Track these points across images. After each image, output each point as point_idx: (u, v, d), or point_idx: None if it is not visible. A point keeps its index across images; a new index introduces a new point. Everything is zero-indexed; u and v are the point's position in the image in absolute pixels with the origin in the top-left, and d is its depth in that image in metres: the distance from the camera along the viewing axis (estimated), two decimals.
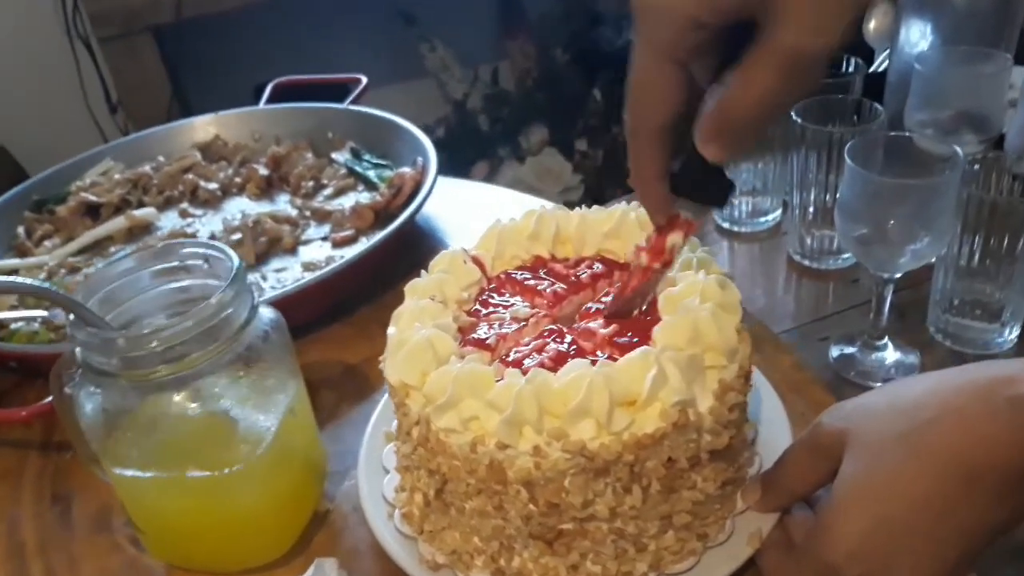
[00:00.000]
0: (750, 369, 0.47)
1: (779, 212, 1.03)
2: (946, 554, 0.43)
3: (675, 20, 0.39)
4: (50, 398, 0.58)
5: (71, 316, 0.43)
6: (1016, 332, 0.80)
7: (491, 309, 0.51)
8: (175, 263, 0.48)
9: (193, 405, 0.46)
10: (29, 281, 0.44)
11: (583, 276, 0.53)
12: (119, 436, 0.46)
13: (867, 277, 0.80)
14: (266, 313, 0.48)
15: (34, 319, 0.73)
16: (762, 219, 1.03)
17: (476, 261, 0.54)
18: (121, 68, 1.79)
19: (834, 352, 0.82)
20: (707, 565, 0.47)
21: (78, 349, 0.45)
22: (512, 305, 0.51)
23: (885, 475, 0.43)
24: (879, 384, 0.78)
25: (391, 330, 0.49)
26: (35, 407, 0.59)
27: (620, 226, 0.54)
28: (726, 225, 1.04)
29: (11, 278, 0.51)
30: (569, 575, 0.46)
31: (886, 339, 0.80)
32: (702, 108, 0.41)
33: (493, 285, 0.54)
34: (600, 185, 2.14)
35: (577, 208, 0.58)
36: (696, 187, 0.44)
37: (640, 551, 0.46)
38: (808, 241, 0.95)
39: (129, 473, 0.46)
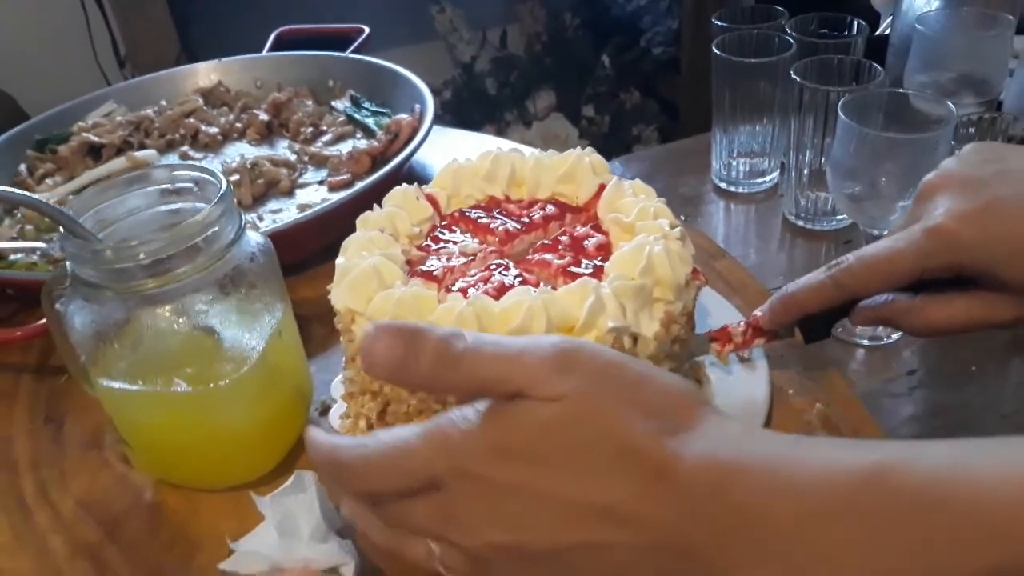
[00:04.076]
0: (693, 312, 0.49)
1: (776, 174, 1.04)
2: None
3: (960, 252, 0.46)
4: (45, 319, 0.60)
5: (61, 230, 0.44)
6: None
7: (441, 245, 0.52)
8: (166, 186, 0.49)
9: (180, 320, 0.47)
10: (23, 193, 0.45)
11: (536, 217, 0.54)
12: (107, 349, 0.47)
13: (859, 238, 0.81)
14: (254, 237, 0.49)
15: (33, 251, 0.74)
16: (759, 180, 1.03)
17: (430, 199, 0.55)
18: (130, 21, 1.79)
19: None
20: None
21: (68, 264, 0.46)
22: (462, 241, 0.52)
23: None
24: (866, 341, 0.79)
25: (340, 259, 0.50)
26: (29, 328, 0.60)
27: (574, 170, 0.55)
28: (723, 185, 1.05)
29: (7, 188, 0.52)
30: None
31: None
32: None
33: (446, 222, 0.55)
34: (606, 151, 2.13)
35: (532, 151, 0.59)
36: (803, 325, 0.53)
37: None
38: (803, 202, 0.95)
39: (116, 386, 0.47)
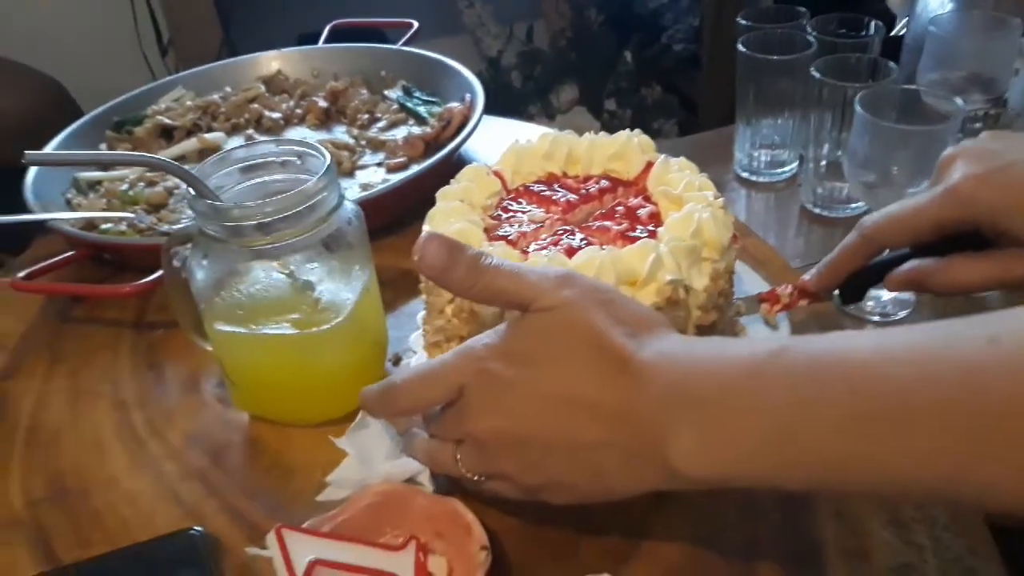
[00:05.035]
0: (732, 269, 0.57)
1: (796, 165, 1.11)
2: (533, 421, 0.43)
3: (974, 209, 0.52)
4: (150, 277, 0.68)
5: (190, 191, 0.52)
6: None
7: (511, 214, 0.60)
8: (271, 159, 0.57)
9: (287, 273, 0.55)
10: (166, 160, 0.53)
11: (592, 190, 0.61)
12: (224, 296, 0.55)
13: None
14: (350, 206, 0.57)
15: (121, 220, 0.82)
16: (779, 170, 1.10)
17: (498, 175, 0.63)
18: (175, 11, 1.87)
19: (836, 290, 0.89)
20: None
21: (190, 223, 0.54)
22: (529, 211, 0.60)
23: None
24: (876, 318, 0.86)
25: (426, 227, 0.58)
26: (136, 284, 0.68)
27: (624, 149, 0.63)
28: (745, 175, 1.12)
29: (158, 157, 0.60)
30: None
31: None
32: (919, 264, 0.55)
33: (512, 195, 0.62)
34: None
35: (587, 134, 0.66)
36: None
37: None
38: (820, 191, 1.02)
39: (228, 329, 0.55)
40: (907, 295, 0.87)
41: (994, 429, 0.33)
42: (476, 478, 0.46)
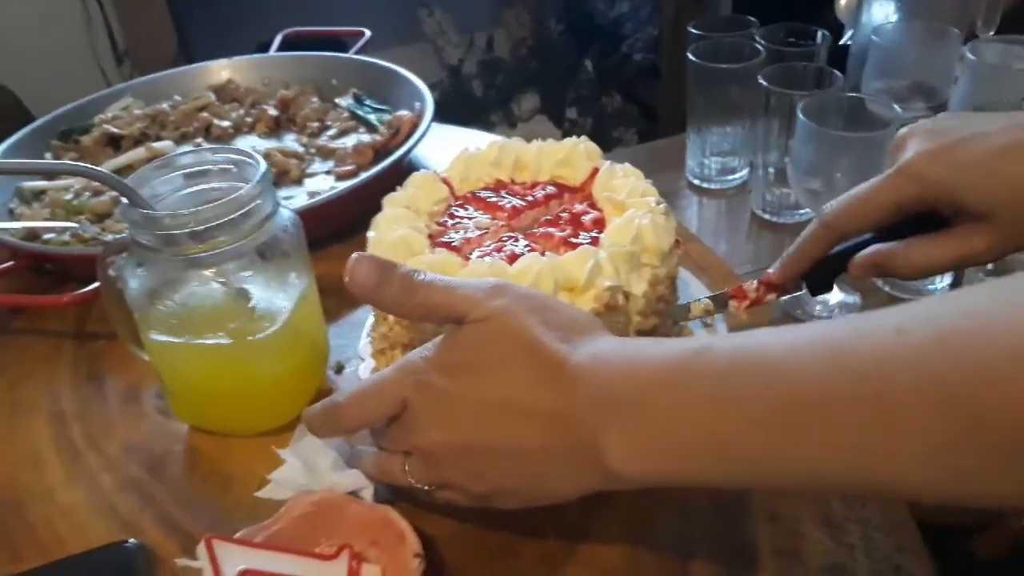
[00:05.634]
0: (675, 274, 0.57)
1: (746, 171, 1.12)
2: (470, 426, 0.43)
3: (928, 186, 0.52)
4: (89, 287, 0.67)
5: (123, 200, 0.51)
6: (947, 281, 0.89)
7: (457, 220, 0.60)
8: (208, 167, 0.56)
9: (222, 282, 0.54)
10: (93, 167, 0.52)
11: (538, 196, 0.61)
12: (159, 306, 0.54)
13: None
14: (286, 213, 0.56)
15: (64, 230, 0.81)
16: (730, 177, 1.12)
17: (445, 182, 0.63)
18: (130, 20, 1.85)
19: None
20: None
21: (126, 232, 0.53)
22: (475, 217, 0.60)
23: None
24: None
25: (371, 233, 0.58)
26: (75, 295, 0.67)
27: (571, 155, 0.63)
28: (696, 182, 1.13)
29: (79, 163, 0.59)
30: None
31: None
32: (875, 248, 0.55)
33: (459, 202, 0.62)
34: None
35: (535, 141, 0.67)
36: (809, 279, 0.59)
37: None
38: (769, 198, 1.04)
39: (164, 339, 0.55)
40: (852, 298, 0.88)
41: (902, 417, 0.34)
42: (426, 488, 0.47)
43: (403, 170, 0.85)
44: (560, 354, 0.42)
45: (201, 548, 0.45)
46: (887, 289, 0.91)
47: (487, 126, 2.24)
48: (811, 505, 0.52)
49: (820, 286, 0.59)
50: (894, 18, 1.07)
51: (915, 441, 0.34)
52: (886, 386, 0.34)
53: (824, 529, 0.51)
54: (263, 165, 0.54)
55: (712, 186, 1.12)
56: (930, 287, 0.89)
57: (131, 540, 0.52)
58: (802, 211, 1.02)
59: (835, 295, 0.89)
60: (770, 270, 0.60)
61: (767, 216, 1.04)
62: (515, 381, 0.42)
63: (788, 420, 0.36)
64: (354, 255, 0.48)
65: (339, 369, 0.65)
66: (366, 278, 0.46)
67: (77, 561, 0.51)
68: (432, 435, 0.44)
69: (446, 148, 0.95)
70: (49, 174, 0.90)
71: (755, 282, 0.61)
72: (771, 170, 1.01)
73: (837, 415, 0.35)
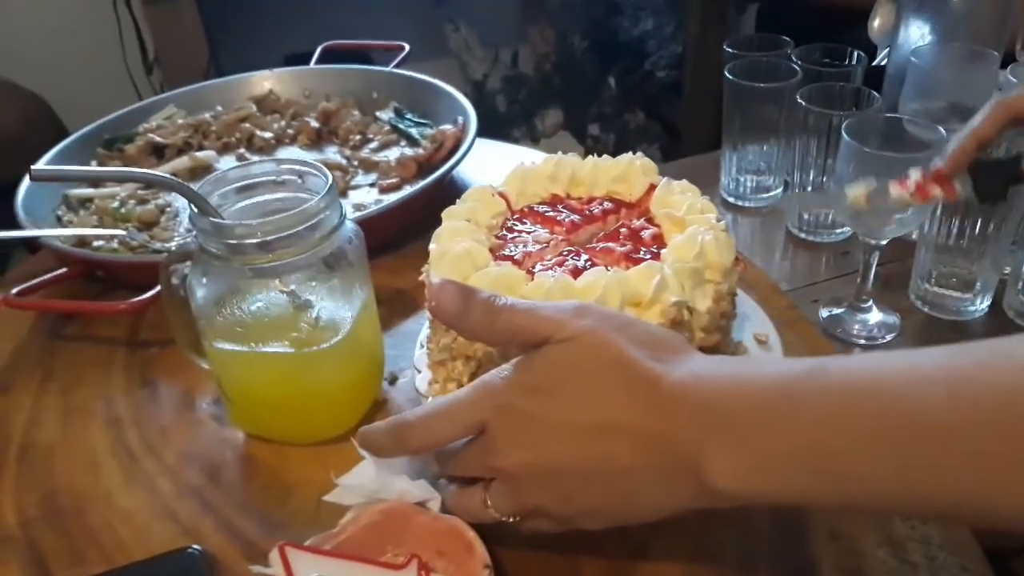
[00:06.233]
0: (735, 291, 0.58)
1: (781, 190, 1.13)
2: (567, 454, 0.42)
3: None
4: (147, 294, 0.68)
5: (193, 208, 0.52)
6: (987, 302, 0.89)
7: (516, 234, 0.61)
8: (273, 178, 0.57)
9: (286, 292, 0.55)
10: (170, 176, 0.53)
11: (595, 211, 0.62)
12: (224, 314, 0.55)
13: (857, 249, 0.89)
14: (351, 225, 0.57)
15: (113, 238, 0.82)
16: (764, 195, 1.12)
17: (502, 196, 0.63)
18: (161, 30, 1.87)
19: (823, 313, 0.91)
20: None
21: (193, 239, 0.54)
22: (534, 231, 0.60)
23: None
24: (863, 341, 0.88)
25: (433, 246, 0.58)
26: (132, 301, 0.68)
27: (627, 172, 0.64)
28: (732, 200, 1.13)
29: (153, 172, 0.60)
30: None
31: (871, 302, 0.89)
32: None
33: (516, 216, 0.63)
34: None
35: (590, 156, 0.67)
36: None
37: None
38: (805, 216, 1.04)
39: (227, 347, 0.55)
40: (892, 318, 0.88)
41: None
42: (510, 519, 0.46)
43: (447, 185, 0.86)
44: (655, 372, 0.42)
45: (274, 555, 0.45)
46: (925, 310, 0.91)
47: (510, 141, 2.24)
48: (872, 523, 0.52)
49: (990, 193, 0.57)
50: (929, 39, 1.08)
51: None
52: (1010, 414, 0.34)
53: (886, 548, 0.51)
54: (329, 177, 0.54)
55: (746, 204, 1.12)
56: (969, 308, 0.89)
57: (194, 546, 0.52)
58: (839, 230, 1.02)
59: (875, 315, 0.89)
60: (936, 160, 0.58)
61: (803, 235, 1.04)
62: (609, 400, 0.42)
63: (907, 443, 0.36)
64: (437, 280, 0.48)
65: (393, 380, 0.65)
66: (450, 303, 0.46)
67: (143, 566, 0.51)
68: (516, 456, 0.43)
69: (483, 162, 0.96)
70: (96, 181, 0.91)
71: (919, 169, 0.58)
72: (808, 188, 1.01)
73: (957, 444, 0.35)
